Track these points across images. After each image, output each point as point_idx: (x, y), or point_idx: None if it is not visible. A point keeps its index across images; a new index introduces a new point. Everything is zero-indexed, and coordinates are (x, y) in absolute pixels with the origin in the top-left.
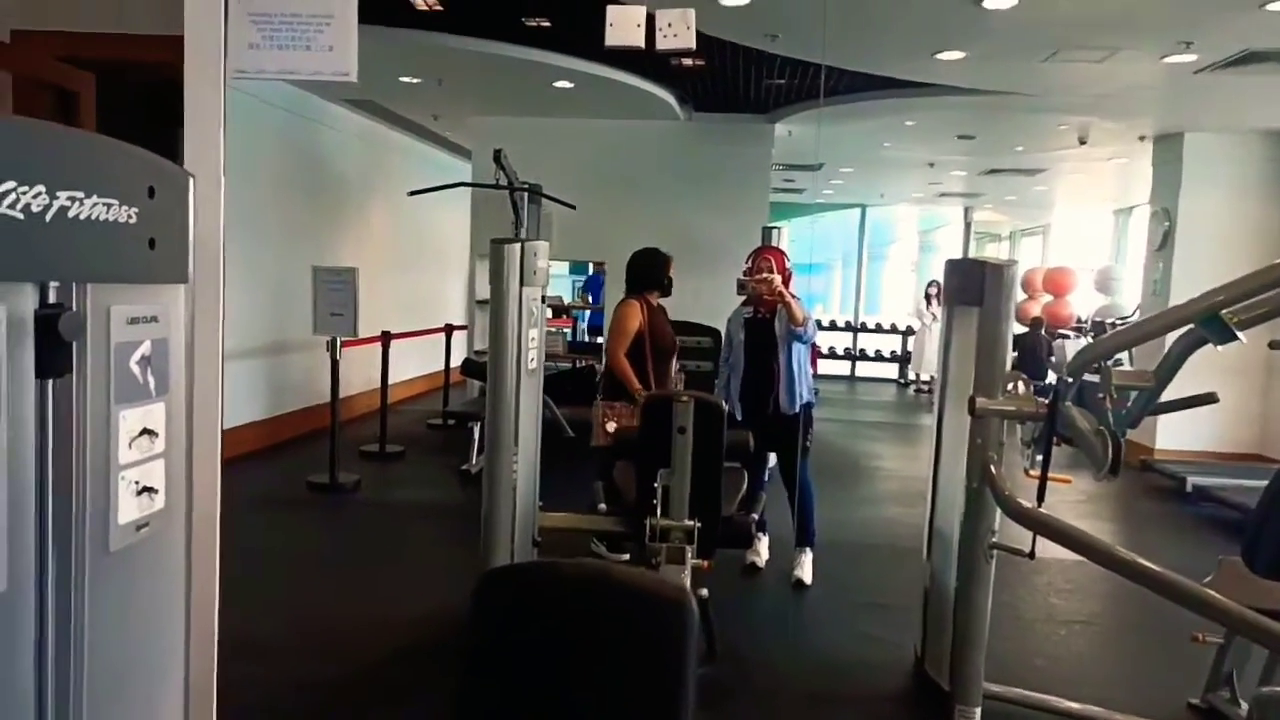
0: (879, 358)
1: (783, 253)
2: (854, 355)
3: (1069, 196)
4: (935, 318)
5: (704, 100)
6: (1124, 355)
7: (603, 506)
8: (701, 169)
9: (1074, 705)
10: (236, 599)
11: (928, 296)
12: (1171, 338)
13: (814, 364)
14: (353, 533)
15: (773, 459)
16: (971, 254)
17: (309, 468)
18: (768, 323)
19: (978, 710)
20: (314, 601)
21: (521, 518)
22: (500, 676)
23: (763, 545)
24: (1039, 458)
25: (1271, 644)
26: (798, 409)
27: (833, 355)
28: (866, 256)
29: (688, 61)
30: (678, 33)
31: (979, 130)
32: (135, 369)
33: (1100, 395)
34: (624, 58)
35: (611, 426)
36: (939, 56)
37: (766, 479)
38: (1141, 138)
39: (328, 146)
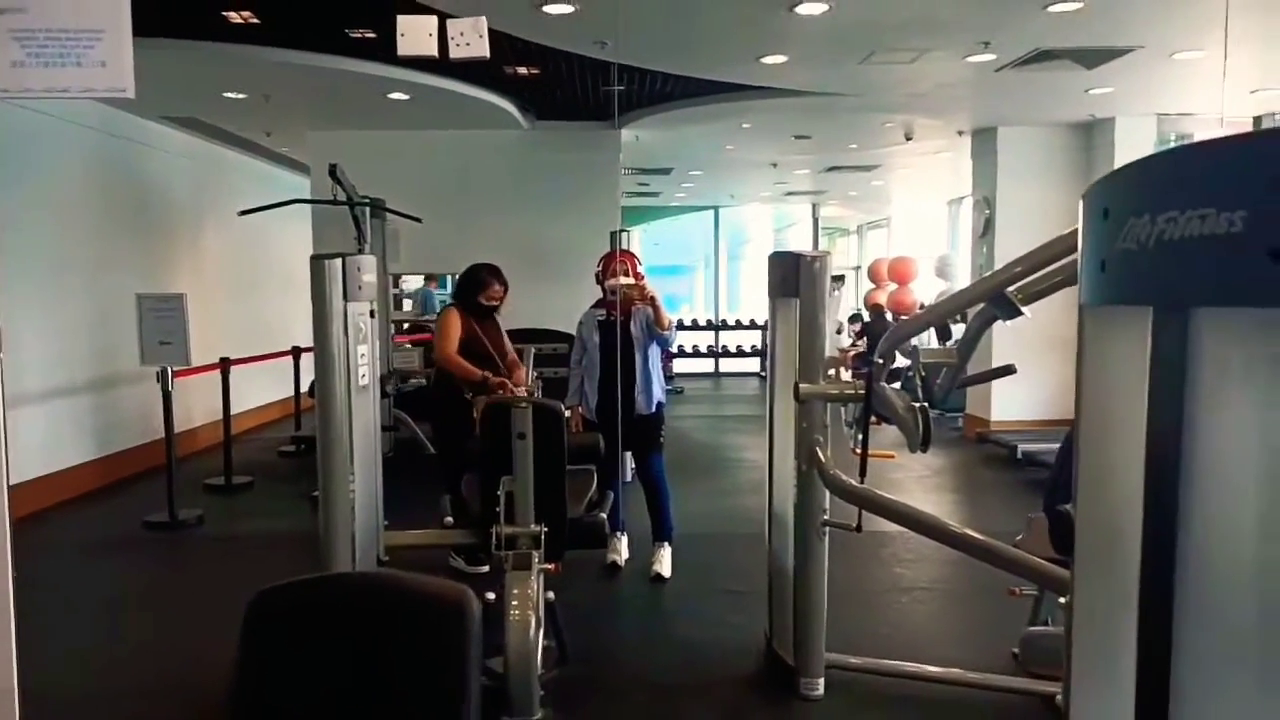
0: (740, 353)
1: (635, 256)
2: (717, 352)
3: (905, 189)
4: None
5: (547, 108)
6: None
7: (448, 519)
8: (548, 177)
9: (907, 665)
10: (47, 650)
11: None
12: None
13: (668, 363)
14: (191, 571)
15: (629, 458)
16: (821, 248)
17: (147, 506)
18: (622, 325)
19: (820, 680)
20: (140, 647)
21: (363, 538)
22: (278, 694)
23: (621, 544)
24: (860, 436)
25: (1059, 589)
26: (653, 409)
27: (696, 354)
28: (725, 256)
29: (523, 70)
30: (470, 41)
31: (813, 130)
32: None
33: (910, 374)
34: (457, 68)
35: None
36: (763, 60)
37: (627, 479)
38: (960, 132)
39: (151, 167)
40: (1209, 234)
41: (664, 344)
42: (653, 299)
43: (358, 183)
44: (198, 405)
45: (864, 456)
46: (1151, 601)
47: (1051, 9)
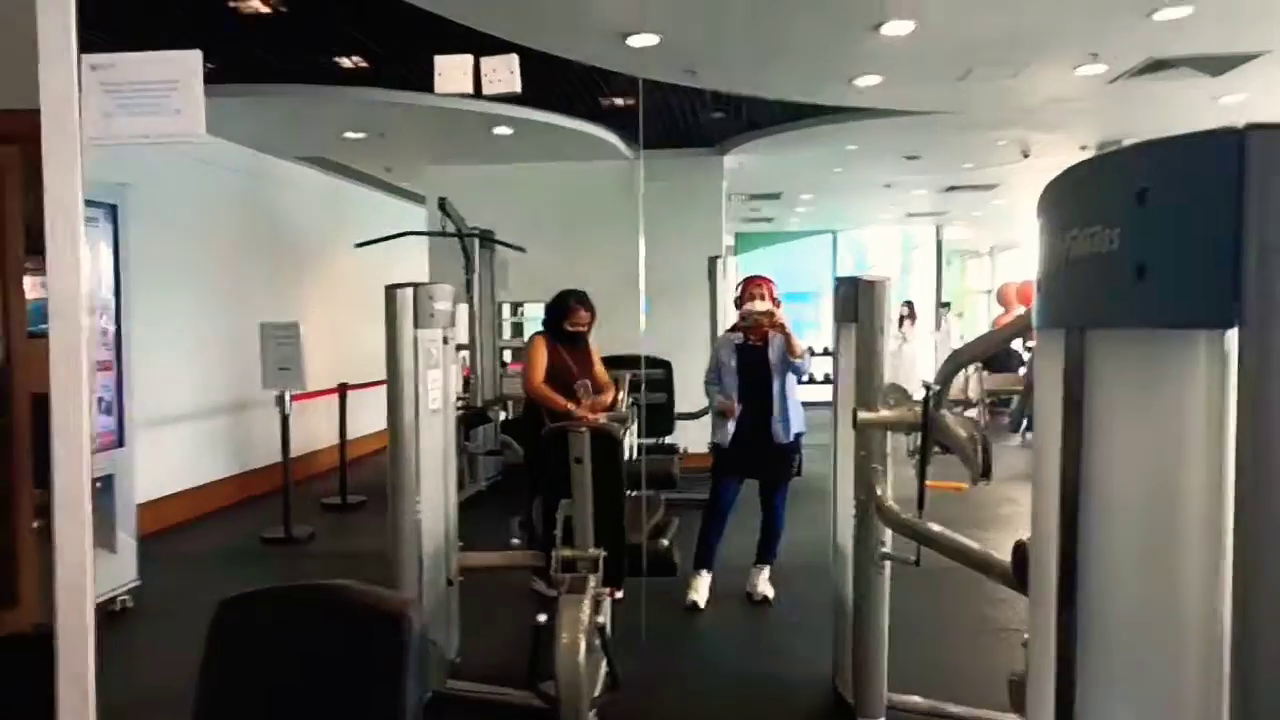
0: None
1: (771, 281)
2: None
3: (1032, 208)
4: (905, 339)
5: (650, 138)
6: None
7: (514, 541)
8: (651, 205)
9: (977, 711)
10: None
11: (900, 318)
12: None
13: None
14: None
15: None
16: (948, 272)
17: (267, 523)
18: (760, 351)
19: None
20: None
21: (432, 559)
22: (236, 700)
23: (703, 582)
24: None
25: None
26: (792, 438)
27: (812, 381)
28: None
29: (619, 101)
30: (501, 78)
31: (922, 150)
32: None
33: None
34: (559, 102)
35: None
36: (856, 82)
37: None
38: (1083, 147)
39: (285, 204)
40: (1097, 252)
41: (798, 372)
42: (783, 326)
43: (470, 215)
44: (320, 428)
45: (922, 487)
46: (1061, 628)
47: (1158, 16)
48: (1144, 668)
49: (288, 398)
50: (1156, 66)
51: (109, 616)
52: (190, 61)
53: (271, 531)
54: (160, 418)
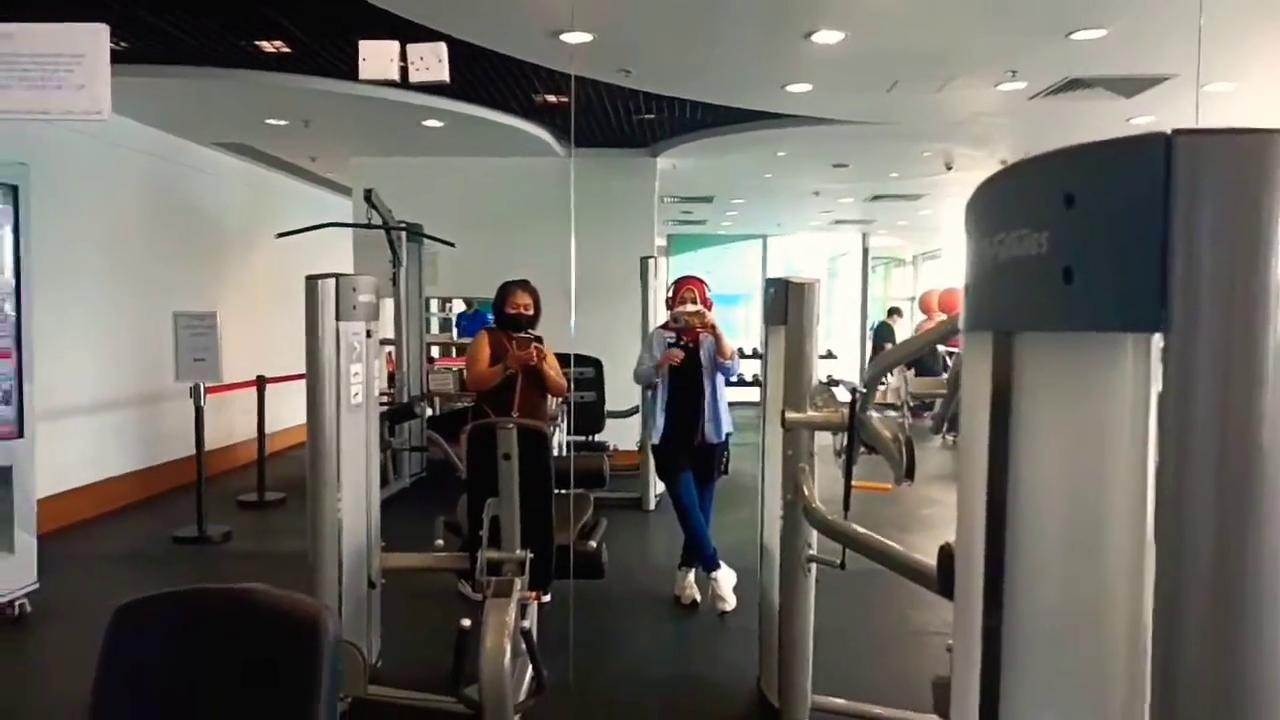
0: None
1: (704, 282)
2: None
3: (955, 219)
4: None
5: (583, 136)
6: None
7: (439, 542)
8: (584, 203)
9: (901, 713)
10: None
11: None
12: None
13: None
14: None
15: (659, 485)
16: (873, 279)
17: (180, 521)
18: (691, 351)
19: None
20: None
21: (353, 560)
22: (134, 714)
23: (683, 578)
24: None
25: None
26: (721, 437)
27: (741, 382)
28: None
29: (551, 99)
30: (429, 66)
31: (851, 159)
32: None
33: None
34: (492, 96)
35: None
36: (788, 89)
37: (650, 508)
38: (1003, 161)
39: (202, 191)
40: (1025, 255)
41: (727, 373)
42: (714, 328)
43: (398, 207)
44: (237, 422)
45: (848, 488)
46: (986, 631)
47: (1075, 36)
48: (1069, 670)
49: (202, 390)
50: (1073, 85)
51: (4, 621)
52: (97, 36)
53: (184, 530)
54: (64, 408)
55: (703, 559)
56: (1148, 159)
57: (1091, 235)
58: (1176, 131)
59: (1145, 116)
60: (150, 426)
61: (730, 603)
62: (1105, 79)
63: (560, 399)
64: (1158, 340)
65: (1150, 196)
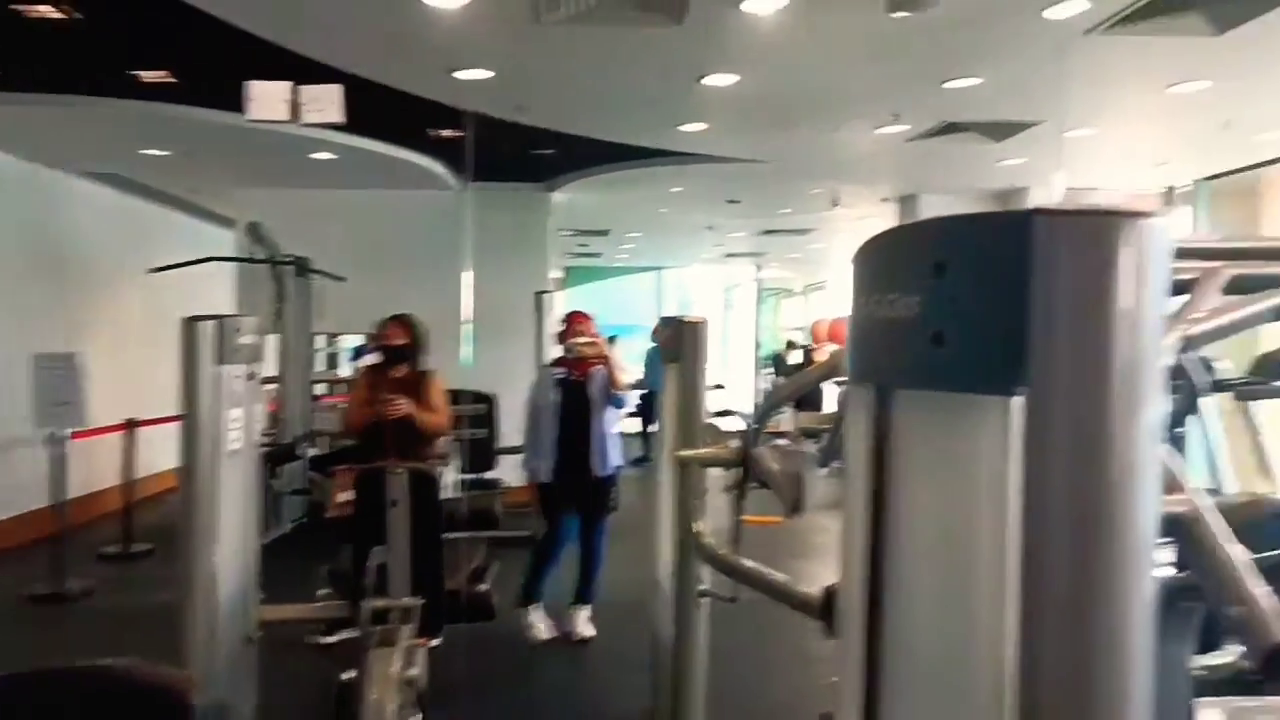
0: None
1: (589, 317)
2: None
3: (843, 252)
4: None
5: (478, 170)
6: None
7: (321, 592)
8: (479, 238)
9: None
10: None
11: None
12: None
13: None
14: (67, 649)
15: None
16: (767, 310)
17: (35, 578)
18: (581, 385)
19: None
20: None
21: (229, 614)
22: None
23: (536, 615)
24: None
25: None
26: (609, 470)
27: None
28: None
29: (446, 132)
30: (323, 108)
31: (743, 195)
32: None
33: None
34: (385, 129)
35: (344, 496)
36: (682, 129)
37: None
38: (884, 199)
39: (71, 223)
40: (899, 317)
41: (619, 404)
42: (608, 359)
43: (286, 241)
44: (104, 468)
45: (736, 522)
46: (867, 667)
47: (949, 85)
48: (941, 704)
49: (67, 435)
50: (949, 129)
51: None
52: None
53: (40, 587)
54: None
55: (585, 590)
56: (1010, 234)
57: (959, 302)
58: (1036, 210)
59: (1015, 159)
60: (4, 476)
61: (591, 631)
62: (979, 124)
63: (451, 437)
64: (1019, 400)
65: (1013, 269)
